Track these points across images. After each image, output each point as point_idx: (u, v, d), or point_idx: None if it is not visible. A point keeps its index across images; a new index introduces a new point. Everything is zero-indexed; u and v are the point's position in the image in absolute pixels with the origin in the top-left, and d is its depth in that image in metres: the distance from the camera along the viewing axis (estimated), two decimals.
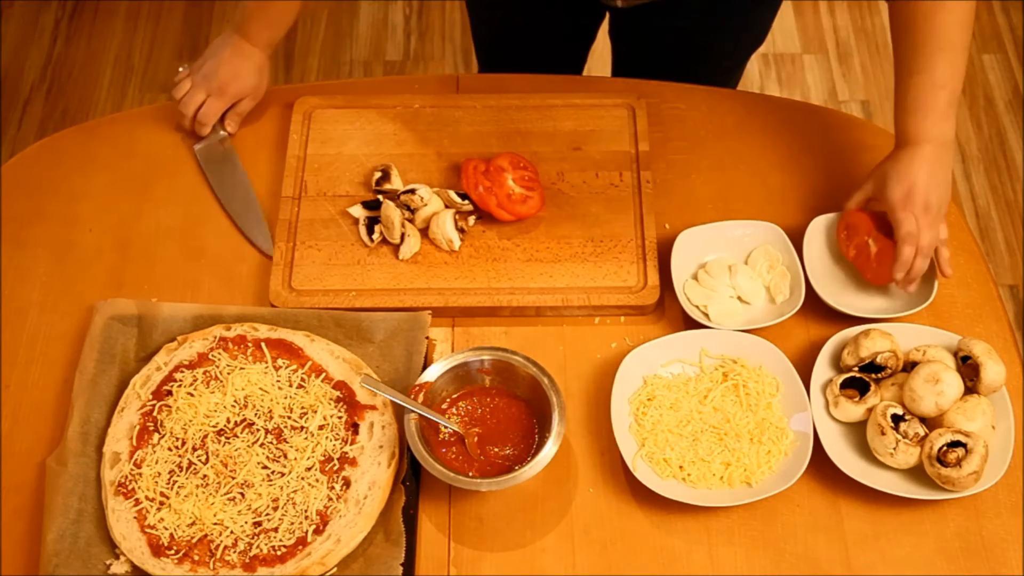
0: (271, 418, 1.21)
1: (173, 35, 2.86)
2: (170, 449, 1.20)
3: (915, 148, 1.27)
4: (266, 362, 1.25)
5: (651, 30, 1.65)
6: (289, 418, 1.21)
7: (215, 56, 1.47)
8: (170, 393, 1.23)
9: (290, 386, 1.23)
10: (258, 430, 1.20)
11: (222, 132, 1.48)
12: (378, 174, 1.40)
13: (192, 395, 1.22)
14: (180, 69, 1.52)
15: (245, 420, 1.21)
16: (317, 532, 1.15)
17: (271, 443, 1.20)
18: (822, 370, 1.26)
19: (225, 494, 1.17)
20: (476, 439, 1.20)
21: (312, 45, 2.82)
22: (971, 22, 1.28)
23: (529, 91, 1.51)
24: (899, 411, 1.20)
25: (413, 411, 1.17)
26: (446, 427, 1.19)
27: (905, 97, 1.28)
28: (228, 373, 1.24)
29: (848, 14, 2.88)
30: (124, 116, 1.71)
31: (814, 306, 1.32)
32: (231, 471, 1.18)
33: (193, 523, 1.15)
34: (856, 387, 1.23)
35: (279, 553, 1.14)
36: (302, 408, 1.22)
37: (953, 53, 1.26)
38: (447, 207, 1.38)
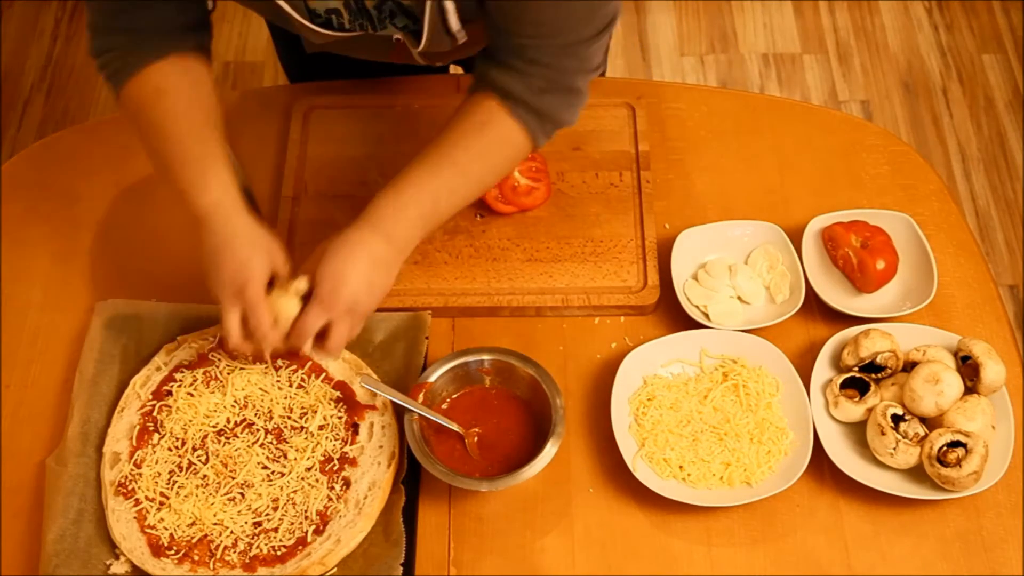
0: (271, 418, 1.21)
1: None
2: (170, 449, 1.20)
3: (367, 239, 1.12)
4: (266, 362, 1.25)
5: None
6: (289, 418, 1.21)
7: (208, 264, 1.16)
8: (170, 393, 1.23)
9: (290, 386, 1.23)
10: (258, 430, 1.20)
11: None
12: None
13: (192, 395, 1.22)
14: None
15: (245, 420, 1.21)
16: (317, 532, 1.15)
17: (271, 443, 1.20)
18: (822, 370, 1.26)
19: (225, 494, 1.17)
20: (476, 439, 1.20)
21: None
22: (505, 168, 1.21)
23: None
24: (899, 411, 1.20)
25: (413, 411, 1.17)
26: (447, 427, 1.19)
27: (400, 178, 1.16)
28: (228, 373, 1.23)
29: (848, 14, 2.88)
30: (124, 116, 1.71)
31: (814, 306, 1.32)
32: (231, 471, 1.18)
33: (193, 523, 1.15)
34: (856, 387, 1.23)
35: (279, 553, 1.14)
36: (302, 408, 1.22)
37: (467, 180, 1.17)
38: None
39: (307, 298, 1.14)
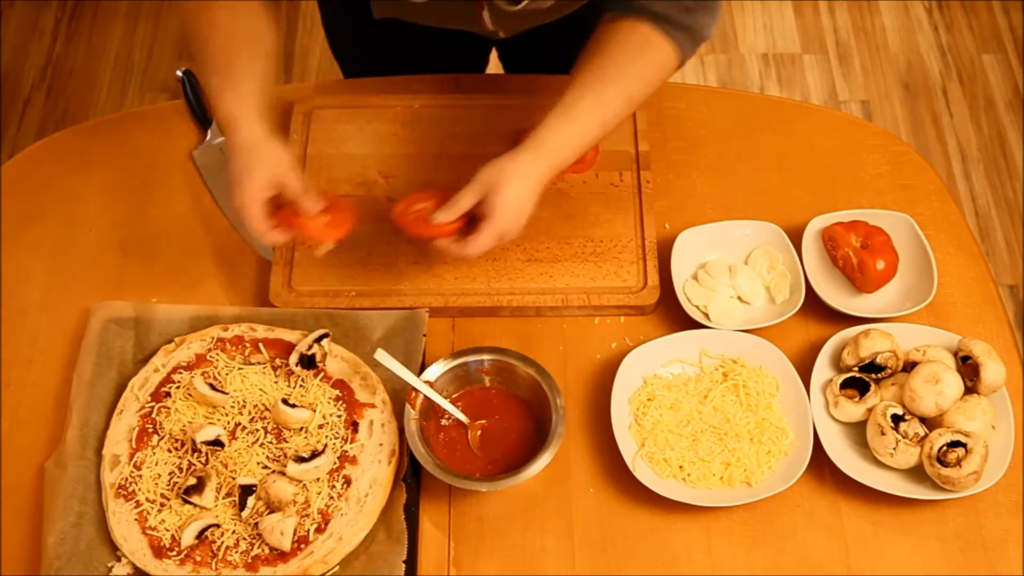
0: (270, 418, 1.21)
1: (173, 35, 2.86)
2: (169, 451, 1.20)
3: (535, 165, 1.17)
4: (264, 362, 1.25)
5: (539, 54, 1.55)
6: None
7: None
8: (168, 395, 1.23)
9: (289, 386, 1.23)
10: (258, 430, 1.20)
11: (220, 137, 1.48)
12: None
13: (190, 396, 1.22)
14: (178, 73, 1.51)
15: (240, 424, 1.21)
16: (319, 531, 1.15)
17: (271, 443, 1.20)
18: (822, 370, 1.26)
19: (226, 495, 1.17)
20: (480, 432, 1.20)
21: (312, 45, 2.82)
22: (655, 89, 1.22)
23: (529, 91, 1.51)
24: (899, 411, 1.20)
25: (422, 392, 1.18)
26: (452, 414, 1.20)
27: (568, 103, 1.18)
28: (226, 374, 1.24)
29: (848, 14, 2.88)
30: (124, 116, 1.71)
31: (814, 306, 1.32)
32: (231, 471, 1.18)
33: None
34: (856, 387, 1.23)
35: (281, 552, 1.14)
36: (301, 407, 1.22)
37: (628, 104, 1.21)
38: None
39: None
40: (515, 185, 1.16)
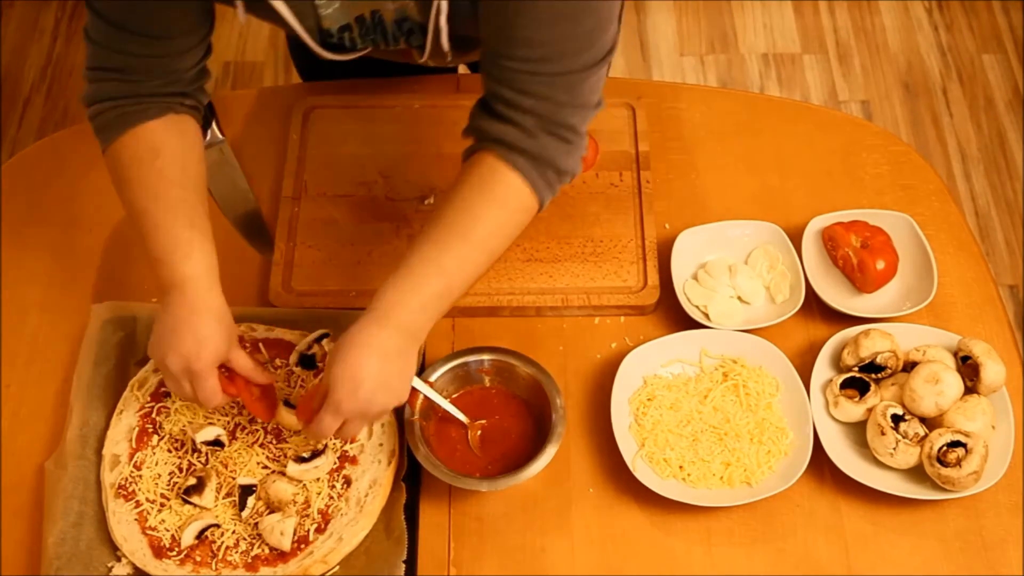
0: None
1: None
2: (169, 451, 1.20)
3: (377, 335, 1.06)
4: (264, 362, 1.25)
5: None
6: None
7: (166, 331, 1.11)
8: (168, 395, 1.23)
9: (289, 386, 1.23)
10: (257, 430, 1.20)
11: (219, 137, 1.47)
12: None
13: None
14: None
15: (241, 424, 1.21)
16: (319, 531, 1.15)
17: (271, 443, 1.20)
18: (822, 370, 1.26)
19: (226, 495, 1.17)
20: (480, 432, 1.20)
21: None
22: (514, 228, 1.14)
23: None
24: (899, 411, 1.20)
25: (422, 392, 1.18)
26: (452, 414, 1.20)
27: (407, 260, 1.09)
28: None
29: (848, 14, 2.88)
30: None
31: (814, 306, 1.32)
32: (231, 471, 1.18)
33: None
34: (856, 387, 1.23)
35: (281, 552, 1.14)
36: None
37: (478, 249, 1.11)
38: None
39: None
40: (348, 356, 1.06)
